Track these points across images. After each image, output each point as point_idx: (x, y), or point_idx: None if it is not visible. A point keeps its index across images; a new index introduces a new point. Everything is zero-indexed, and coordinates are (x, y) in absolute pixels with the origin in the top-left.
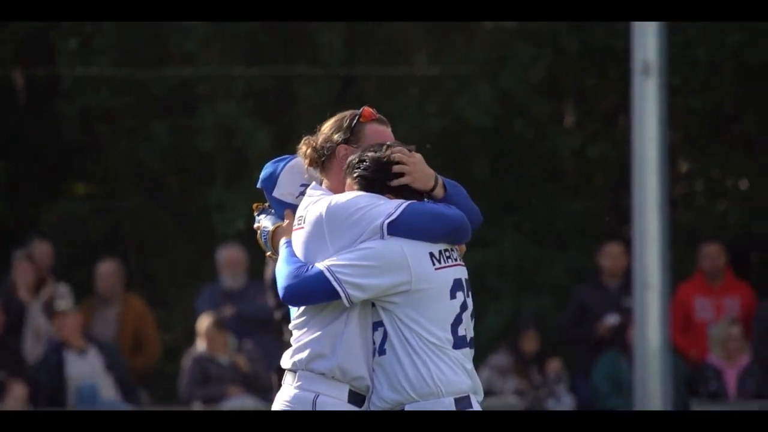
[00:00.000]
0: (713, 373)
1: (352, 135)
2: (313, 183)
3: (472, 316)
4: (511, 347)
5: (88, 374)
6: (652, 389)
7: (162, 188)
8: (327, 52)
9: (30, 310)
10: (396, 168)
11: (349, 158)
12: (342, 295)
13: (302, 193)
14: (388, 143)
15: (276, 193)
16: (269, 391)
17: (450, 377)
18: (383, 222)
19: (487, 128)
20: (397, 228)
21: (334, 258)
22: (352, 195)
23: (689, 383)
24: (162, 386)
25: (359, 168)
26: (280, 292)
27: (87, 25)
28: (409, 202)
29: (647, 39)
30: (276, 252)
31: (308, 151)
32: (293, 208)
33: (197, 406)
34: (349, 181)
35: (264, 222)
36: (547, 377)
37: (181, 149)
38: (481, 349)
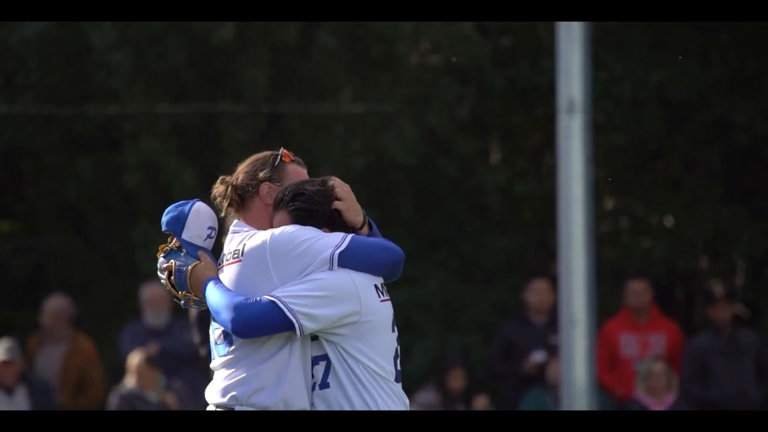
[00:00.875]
0: (639, 409)
1: (275, 174)
2: (236, 221)
3: None
4: (437, 384)
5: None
6: None
7: (86, 226)
8: (251, 89)
9: None
10: (338, 195)
11: (278, 193)
12: (296, 325)
13: (209, 236)
14: (323, 178)
15: (185, 236)
16: None
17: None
18: (333, 253)
19: (412, 165)
20: (345, 259)
21: (284, 289)
22: (293, 228)
23: None
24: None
25: (298, 200)
26: (227, 324)
27: (10, 63)
28: (351, 234)
29: (572, 77)
30: (191, 291)
31: (227, 190)
32: (204, 250)
33: None
34: (282, 214)
35: (178, 261)
36: None
37: (106, 187)
38: (408, 386)
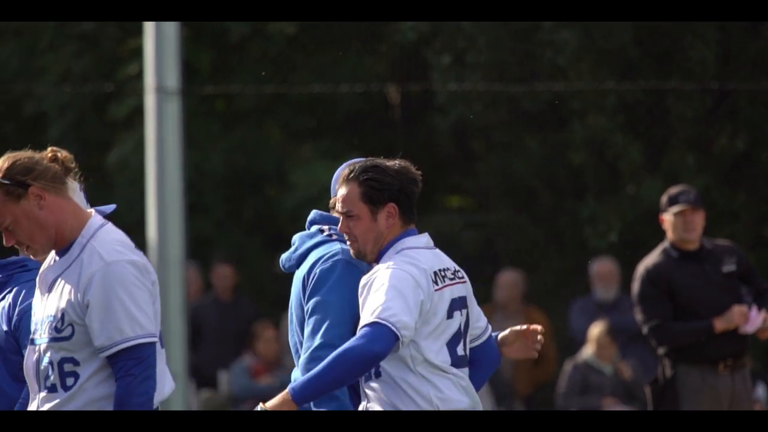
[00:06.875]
0: None
1: None
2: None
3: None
4: None
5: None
6: None
7: (534, 202)
8: (700, 66)
9: None
10: None
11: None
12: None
13: None
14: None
15: None
16: (645, 404)
17: (449, 395)
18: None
19: None
20: None
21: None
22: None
23: None
24: (539, 396)
25: (370, 172)
26: None
27: (461, 42)
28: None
29: None
30: None
31: None
32: None
33: None
34: (352, 185)
35: None
36: None
37: (553, 163)
38: None
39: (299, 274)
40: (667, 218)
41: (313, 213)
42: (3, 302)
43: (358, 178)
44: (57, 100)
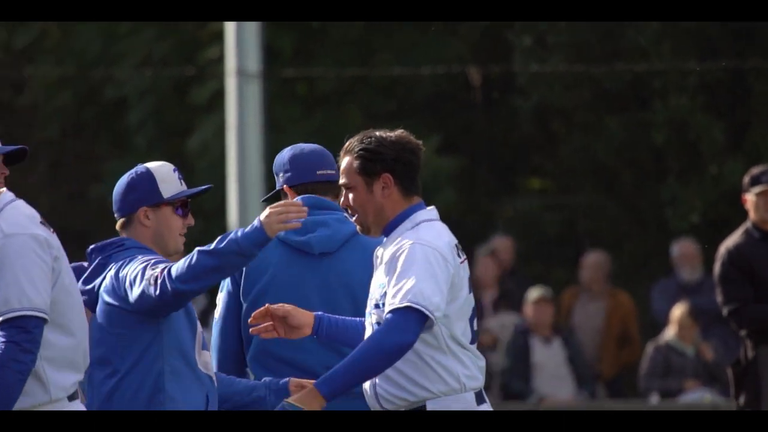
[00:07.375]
0: None
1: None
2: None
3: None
4: None
5: (551, 363)
6: None
7: (615, 183)
8: None
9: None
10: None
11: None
12: None
13: None
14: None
15: None
16: (727, 386)
17: (474, 373)
18: None
19: None
20: None
21: None
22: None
23: None
24: (623, 378)
25: (364, 143)
26: None
27: (541, 23)
28: None
29: None
30: None
31: None
32: None
33: (654, 400)
34: (349, 159)
35: None
36: None
37: (635, 144)
38: None
39: (357, 255)
40: (749, 198)
41: (308, 197)
42: (105, 281)
43: (353, 151)
44: (137, 85)
